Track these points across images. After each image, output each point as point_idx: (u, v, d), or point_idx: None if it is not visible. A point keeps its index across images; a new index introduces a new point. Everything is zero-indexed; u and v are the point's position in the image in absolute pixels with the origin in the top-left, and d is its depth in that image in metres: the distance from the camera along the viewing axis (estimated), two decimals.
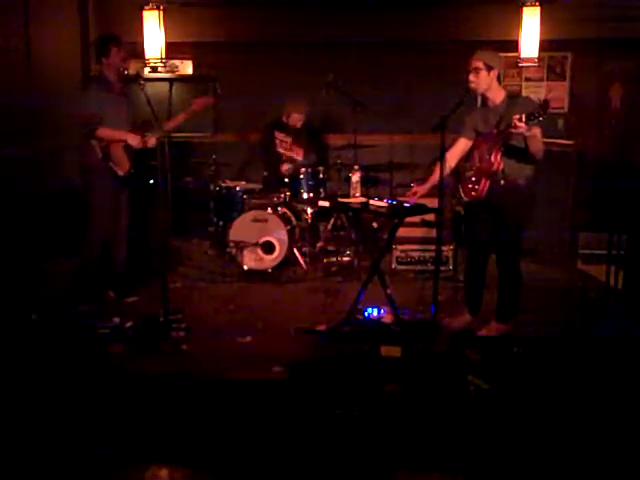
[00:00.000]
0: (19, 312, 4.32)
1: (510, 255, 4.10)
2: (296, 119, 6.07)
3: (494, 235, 4.11)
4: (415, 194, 4.22)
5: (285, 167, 5.95)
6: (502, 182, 3.92)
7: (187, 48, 6.81)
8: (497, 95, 4.01)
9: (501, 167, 3.89)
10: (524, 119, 3.58)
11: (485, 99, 4.07)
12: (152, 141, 4.67)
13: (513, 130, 3.67)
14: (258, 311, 4.72)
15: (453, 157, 4.13)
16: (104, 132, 4.55)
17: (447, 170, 4.02)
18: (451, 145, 4.14)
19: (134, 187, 4.83)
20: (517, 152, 3.88)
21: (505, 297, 4.17)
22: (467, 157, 4.15)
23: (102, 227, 4.70)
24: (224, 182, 6.11)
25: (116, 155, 4.60)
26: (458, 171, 4.20)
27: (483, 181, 3.98)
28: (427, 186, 4.20)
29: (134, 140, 4.62)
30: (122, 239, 4.87)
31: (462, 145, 4.16)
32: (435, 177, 4.08)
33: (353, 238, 5.91)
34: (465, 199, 4.15)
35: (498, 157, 3.89)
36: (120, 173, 4.63)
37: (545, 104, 3.61)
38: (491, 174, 3.93)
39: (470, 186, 4.06)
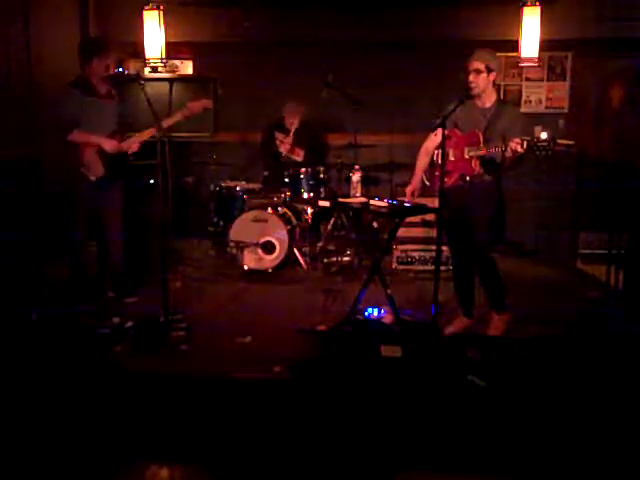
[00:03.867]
0: (19, 312, 4.31)
1: (480, 246, 4.09)
2: (292, 121, 6.07)
3: (466, 231, 4.13)
4: (412, 193, 4.23)
5: (284, 146, 5.96)
6: (467, 178, 3.98)
7: (187, 48, 6.81)
8: (489, 98, 4.02)
9: (480, 172, 3.95)
10: (524, 145, 3.59)
11: (476, 98, 4.06)
12: (132, 146, 4.66)
13: (510, 153, 3.69)
14: (258, 311, 4.72)
15: (433, 148, 4.17)
16: (77, 136, 4.54)
17: (427, 161, 4.14)
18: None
19: (110, 190, 4.76)
20: (493, 163, 3.94)
21: (490, 287, 4.17)
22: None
23: (83, 229, 4.71)
24: (224, 182, 6.11)
25: (89, 160, 4.57)
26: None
27: (455, 176, 4.03)
28: (417, 180, 4.24)
29: (109, 145, 4.59)
30: (116, 241, 4.84)
31: (440, 136, 4.16)
32: (419, 169, 4.20)
33: (353, 238, 5.91)
34: (428, 185, 4.18)
35: (478, 164, 3.94)
36: (92, 178, 4.60)
37: (554, 140, 3.57)
38: (468, 175, 3.98)
39: (438, 174, 4.03)
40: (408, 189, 4.28)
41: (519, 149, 3.62)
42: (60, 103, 4.63)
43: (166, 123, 4.56)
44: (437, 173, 4.05)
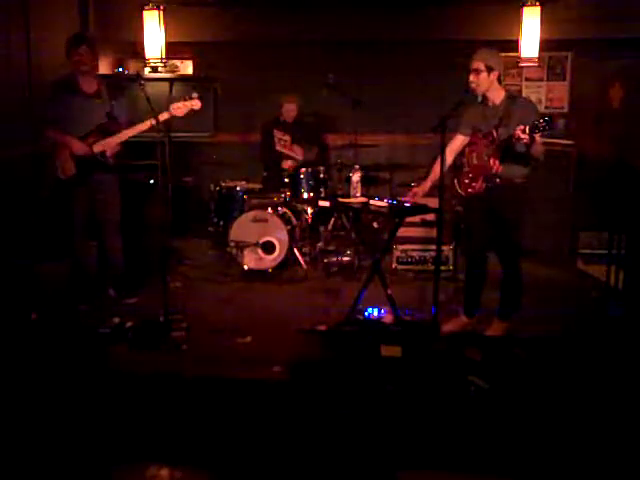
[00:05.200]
0: (19, 312, 4.31)
1: (510, 253, 4.11)
2: (289, 110, 6.07)
3: (492, 233, 4.12)
4: (415, 195, 4.22)
5: (287, 164, 5.95)
6: (498, 181, 3.95)
7: (187, 48, 6.82)
8: (497, 95, 4.01)
9: (500, 170, 3.91)
10: (527, 131, 3.58)
11: (484, 98, 4.07)
12: (109, 147, 4.60)
13: (515, 141, 3.68)
14: (258, 311, 4.72)
15: (450, 154, 4.14)
16: (51, 133, 4.60)
17: (445, 167, 4.05)
18: (448, 141, 4.15)
19: (105, 188, 4.75)
20: (516, 155, 3.89)
21: (508, 295, 4.18)
22: (462, 152, 4.16)
23: (80, 229, 4.73)
24: (224, 182, 6.11)
25: (61, 158, 4.59)
26: (455, 166, 4.22)
27: (480, 180, 4.00)
28: (427, 185, 4.21)
29: (79, 149, 4.56)
30: (115, 241, 4.83)
31: (459, 142, 4.18)
32: (434, 175, 4.11)
33: (353, 238, 5.91)
34: (462, 194, 4.18)
35: (497, 162, 3.90)
36: (61, 176, 4.61)
37: (550, 119, 3.58)
38: (489, 176, 3.95)
39: (467, 182, 4.09)
40: (413, 190, 4.28)
41: (522, 135, 3.61)
42: (47, 101, 4.67)
43: (143, 126, 4.46)
44: (466, 181, 4.09)
